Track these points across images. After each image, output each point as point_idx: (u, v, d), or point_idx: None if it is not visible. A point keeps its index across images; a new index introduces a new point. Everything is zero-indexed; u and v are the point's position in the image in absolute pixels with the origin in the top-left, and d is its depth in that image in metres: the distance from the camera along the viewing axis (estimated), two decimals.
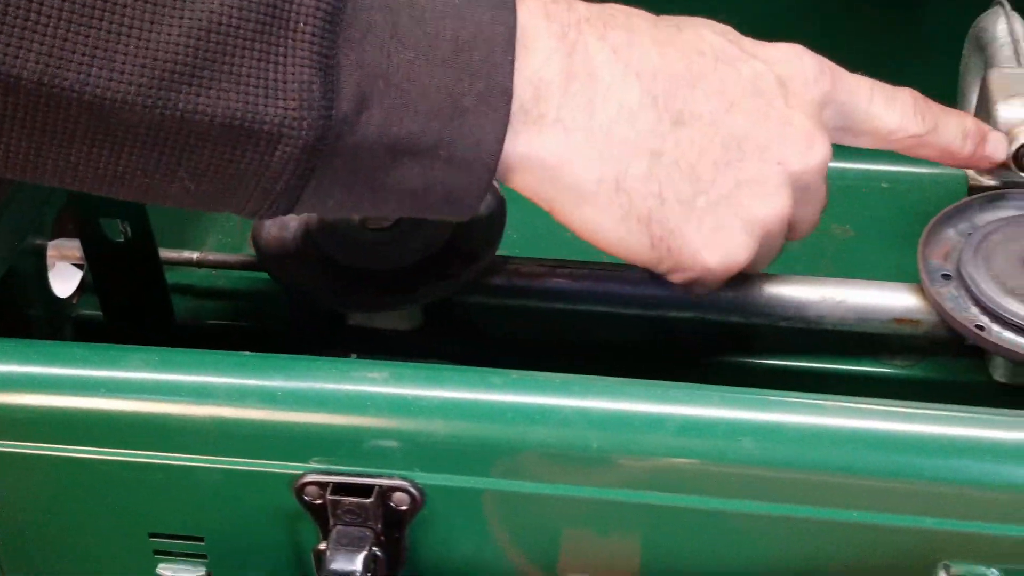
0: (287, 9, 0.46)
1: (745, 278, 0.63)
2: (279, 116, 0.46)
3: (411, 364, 0.51)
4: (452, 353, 0.69)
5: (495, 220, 0.65)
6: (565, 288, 0.64)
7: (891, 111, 0.61)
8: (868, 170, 0.96)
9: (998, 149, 0.63)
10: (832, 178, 1.00)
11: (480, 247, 0.64)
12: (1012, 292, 0.60)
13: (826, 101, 0.59)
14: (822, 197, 0.60)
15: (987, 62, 0.72)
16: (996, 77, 0.67)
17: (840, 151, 1.03)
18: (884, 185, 0.96)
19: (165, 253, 0.68)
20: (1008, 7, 0.75)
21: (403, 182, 0.51)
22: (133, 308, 0.67)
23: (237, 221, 0.84)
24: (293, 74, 0.46)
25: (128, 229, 0.64)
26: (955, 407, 0.49)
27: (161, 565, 0.55)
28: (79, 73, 0.45)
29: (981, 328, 0.60)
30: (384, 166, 0.50)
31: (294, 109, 0.46)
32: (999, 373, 0.63)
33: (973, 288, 0.61)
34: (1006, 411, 0.49)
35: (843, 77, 0.60)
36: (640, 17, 0.55)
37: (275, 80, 0.46)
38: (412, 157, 0.50)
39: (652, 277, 0.59)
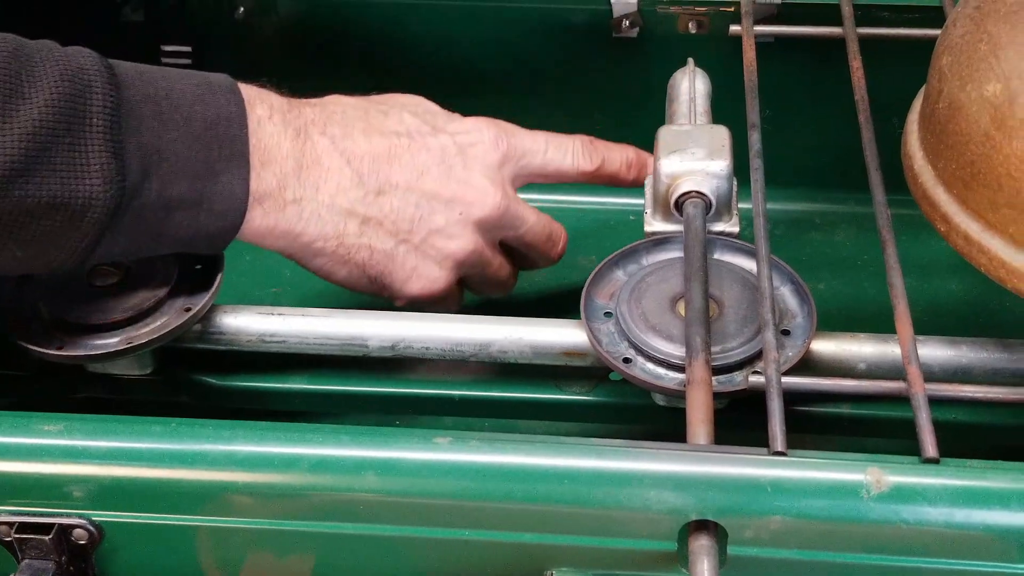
0: (83, 108, 0.60)
1: (435, 318, 0.72)
2: (88, 191, 0.61)
3: (89, 416, 0.58)
4: (188, 394, 0.76)
5: (212, 273, 0.71)
6: (278, 331, 0.72)
7: (564, 156, 0.78)
8: (617, 203, 1.04)
9: None
10: (580, 213, 1.09)
11: (196, 298, 0.70)
12: (654, 328, 0.68)
13: (504, 161, 0.75)
14: (518, 229, 0.77)
15: (669, 117, 0.81)
16: (663, 133, 0.75)
17: (593, 187, 1.11)
18: (631, 218, 1.04)
19: None
20: (692, 64, 0.83)
21: (176, 230, 0.66)
22: None
23: None
24: (95, 158, 0.60)
25: None
26: (553, 438, 0.57)
27: None
28: None
29: (628, 361, 0.68)
30: (160, 219, 0.65)
31: (99, 185, 0.61)
32: (659, 398, 0.71)
33: (623, 324, 0.69)
34: (606, 441, 0.57)
35: (519, 139, 0.76)
36: (354, 108, 0.73)
37: (82, 165, 0.60)
38: (182, 211, 0.65)
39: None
